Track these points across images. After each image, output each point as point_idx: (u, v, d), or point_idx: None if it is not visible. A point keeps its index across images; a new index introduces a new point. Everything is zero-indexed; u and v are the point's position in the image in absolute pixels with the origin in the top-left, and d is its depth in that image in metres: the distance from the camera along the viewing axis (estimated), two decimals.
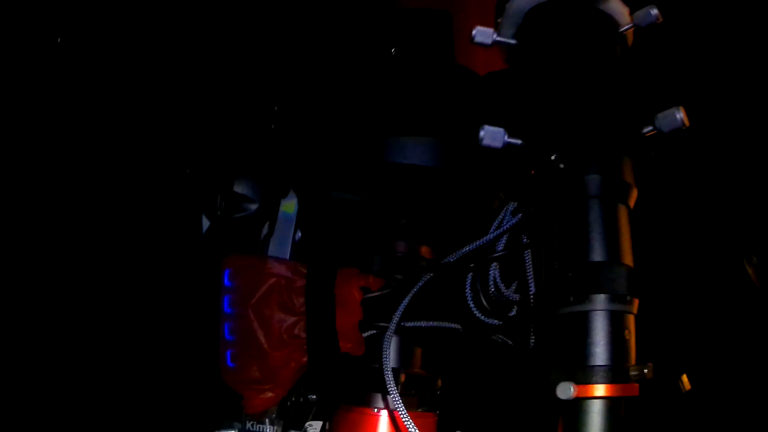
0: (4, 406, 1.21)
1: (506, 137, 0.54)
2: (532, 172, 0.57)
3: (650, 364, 0.44)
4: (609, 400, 0.44)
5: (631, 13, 0.56)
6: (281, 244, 0.85)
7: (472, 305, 0.70)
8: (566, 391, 0.43)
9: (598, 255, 0.47)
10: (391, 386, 0.62)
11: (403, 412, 0.58)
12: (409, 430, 0.57)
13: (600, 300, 0.45)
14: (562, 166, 0.51)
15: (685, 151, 1.02)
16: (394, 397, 0.61)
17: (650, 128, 0.51)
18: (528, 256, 0.64)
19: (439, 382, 0.80)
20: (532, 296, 0.62)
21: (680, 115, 0.50)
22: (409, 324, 0.75)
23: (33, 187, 1.23)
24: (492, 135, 0.53)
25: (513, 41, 0.59)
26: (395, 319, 0.69)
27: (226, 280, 0.79)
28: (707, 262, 1.13)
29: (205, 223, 0.85)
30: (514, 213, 0.68)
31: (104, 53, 1.14)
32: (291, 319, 0.75)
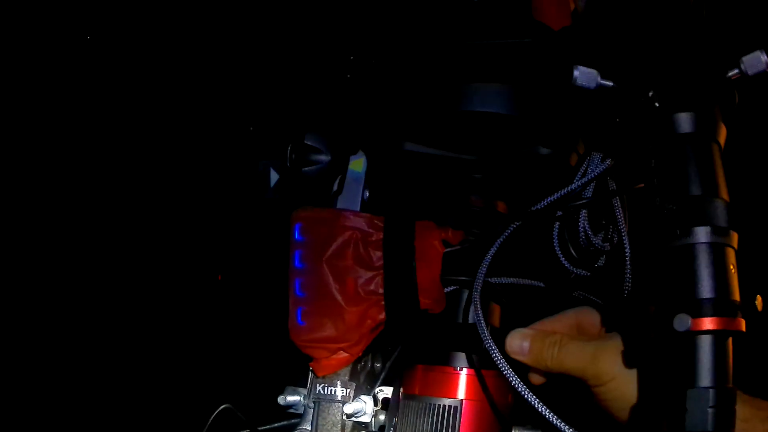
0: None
1: (599, 78, 0.61)
2: (617, 119, 0.65)
3: (759, 296, 0.50)
4: (720, 333, 0.49)
5: None
6: (350, 203, 0.88)
7: (560, 255, 0.76)
8: (684, 322, 0.49)
9: (696, 189, 0.53)
10: (490, 344, 0.67)
11: (508, 372, 0.64)
12: (518, 389, 0.63)
13: (702, 232, 0.51)
14: (657, 104, 0.58)
15: None
16: (495, 355, 0.66)
17: (735, 71, 0.58)
18: (617, 202, 0.70)
19: None
20: (626, 240, 0.68)
21: (765, 57, 0.56)
22: (492, 280, 0.80)
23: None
24: (586, 75, 0.60)
25: None
26: (482, 271, 0.74)
27: (296, 235, 0.81)
28: None
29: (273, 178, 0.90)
30: (601, 161, 0.74)
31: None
32: (368, 274, 0.79)
